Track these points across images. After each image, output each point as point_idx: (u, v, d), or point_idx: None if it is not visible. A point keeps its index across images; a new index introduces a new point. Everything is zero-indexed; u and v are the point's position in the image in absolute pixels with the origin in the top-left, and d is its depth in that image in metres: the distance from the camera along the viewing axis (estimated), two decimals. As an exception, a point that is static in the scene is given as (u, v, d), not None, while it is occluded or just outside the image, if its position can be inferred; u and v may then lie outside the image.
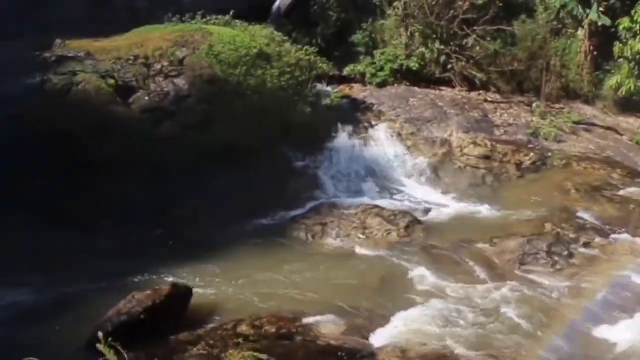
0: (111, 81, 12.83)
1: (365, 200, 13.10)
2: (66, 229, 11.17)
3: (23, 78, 12.51)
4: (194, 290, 9.18)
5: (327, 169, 13.82)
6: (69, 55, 13.32)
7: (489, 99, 17.01)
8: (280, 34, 15.74)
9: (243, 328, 8.44)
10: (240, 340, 8.02)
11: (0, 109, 11.84)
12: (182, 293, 8.89)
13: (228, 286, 9.87)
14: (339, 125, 14.71)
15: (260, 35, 14.85)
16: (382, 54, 17.23)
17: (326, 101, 14.96)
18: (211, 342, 8.05)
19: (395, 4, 17.47)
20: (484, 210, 12.94)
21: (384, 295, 9.75)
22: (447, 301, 9.36)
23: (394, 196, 13.59)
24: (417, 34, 17.31)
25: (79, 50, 13.47)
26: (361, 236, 11.66)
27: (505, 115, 16.33)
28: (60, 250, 10.67)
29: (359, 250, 11.30)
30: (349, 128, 14.77)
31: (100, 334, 4.70)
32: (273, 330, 8.45)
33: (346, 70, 17.28)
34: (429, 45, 17.14)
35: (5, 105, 11.94)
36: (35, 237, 10.93)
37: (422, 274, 10.26)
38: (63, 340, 8.37)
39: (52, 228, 11.16)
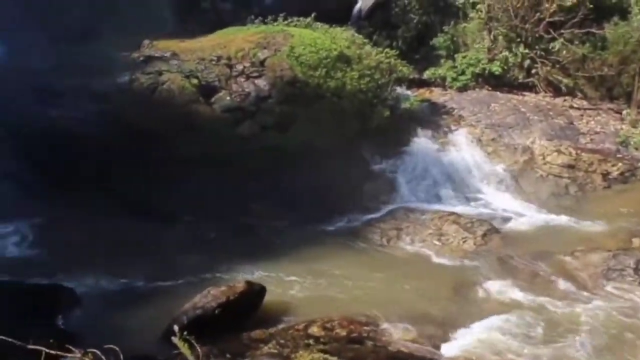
0: (195, 81, 13.22)
1: (443, 206, 12.90)
2: (150, 222, 11.64)
3: (114, 77, 13.09)
4: (268, 288, 9.29)
5: (404, 174, 13.68)
6: (156, 55, 13.85)
7: (575, 105, 16.36)
8: (361, 36, 15.76)
9: (314, 329, 8.47)
10: (311, 341, 8.06)
11: (94, 105, 12.50)
12: (256, 291, 9.02)
13: (301, 286, 9.95)
14: (418, 130, 14.55)
15: (341, 37, 14.90)
16: (464, 57, 16.91)
17: (406, 105, 14.82)
18: (282, 341, 8.12)
19: (478, 6, 17.13)
20: (566, 221, 12.45)
21: (457, 304, 9.56)
22: (523, 314, 9.06)
23: (472, 203, 13.31)
24: (500, 37, 16.88)
25: (166, 51, 13.98)
26: (437, 243, 11.48)
27: (593, 122, 15.67)
28: (143, 242, 11.11)
29: (434, 257, 11.13)
30: (428, 132, 14.58)
31: (176, 327, 4.86)
32: (344, 333, 8.44)
33: (427, 74, 17.07)
34: (513, 49, 16.68)
35: (99, 102, 12.58)
36: (121, 228, 11.45)
37: (498, 285, 9.98)
38: (142, 329, 8.68)
39: (137, 220, 11.67)
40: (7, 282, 9.63)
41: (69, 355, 4.26)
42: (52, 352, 4.04)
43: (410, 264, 10.91)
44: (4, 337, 3.96)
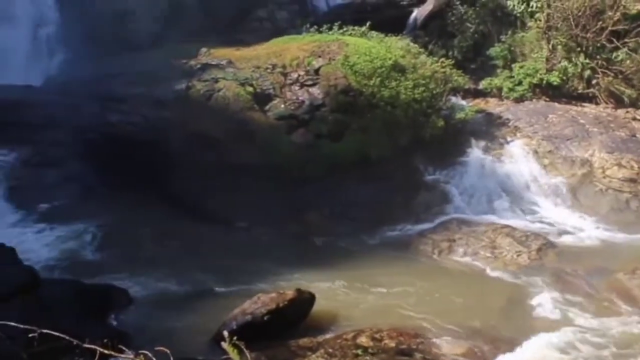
0: (250, 89, 13.41)
1: (496, 218, 12.67)
2: (204, 226, 11.88)
3: (171, 84, 13.41)
4: (317, 296, 9.29)
5: (458, 184, 13.50)
6: (212, 63, 14.16)
7: (639, 117, 15.80)
8: (416, 45, 15.69)
9: (363, 339, 8.43)
10: (359, 351, 8.02)
11: (153, 111, 12.86)
12: (305, 299, 9.04)
13: (351, 295, 9.92)
14: (472, 140, 14.36)
15: (396, 46, 14.87)
16: (521, 67, 16.59)
17: (460, 115, 14.65)
18: (330, 350, 8.11)
19: (537, 15, 16.78)
20: (626, 237, 12.03)
21: (509, 320, 9.34)
22: (578, 332, 8.78)
23: (527, 217, 13.00)
24: (560, 47, 16.50)
25: (222, 59, 14.26)
26: (490, 256, 11.27)
27: (658, 135, 15.11)
28: (196, 245, 11.35)
29: (486, 270, 10.92)
30: (483, 143, 14.37)
31: (225, 332, 4.92)
32: (393, 344, 8.37)
33: (482, 84, 16.83)
34: (573, 59, 16.28)
35: (157, 108, 12.94)
36: (175, 231, 11.76)
37: (552, 301, 9.70)
38: (192, 332, 8.82)
39: (191, 224, 11.94)
40: (66, 280, 9.97)
41: (122, 355, 4.37)
42: (106, 352, 4.15)
43: (462, 277, 10.75)
44: (62, 335, 4.10)
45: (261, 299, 8.78)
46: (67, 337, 4.07)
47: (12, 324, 3.91)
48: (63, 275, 10.23)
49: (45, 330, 4.04)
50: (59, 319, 8.27)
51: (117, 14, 15.48)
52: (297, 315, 8.94)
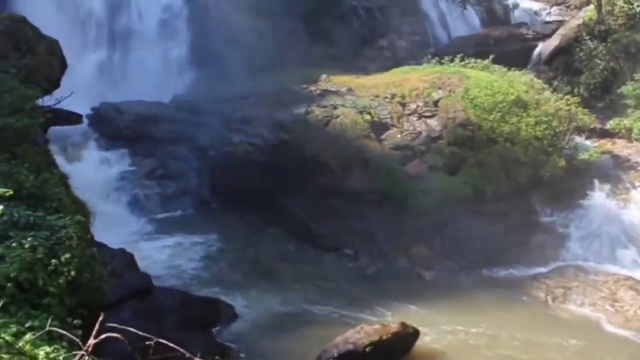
0: (367, 117, 13.46)
1: (618, 269, 11.86)
2: (313, 249, 12.03)
3: (291, 108, 13.74)
4: (421, 332, 9.07)
5: (577, 229, 12.77)
6: (332, 89, 14.36)
7: None
8: (540, 81, 15.14)
9: (466, 383, 8.12)
10: (461, 396, 7.72)
11: (272, 133, 13.23)
12: (409, 334, 8.87)
13: (456, 335, 9.61)
14: (596, 183, 13.57)
15: (519, 81, 14.42)
16: (656, 108, 15.55)
17: (584, 156, 13.92)
18: (432, 390, 7.87)
19: (678, 52, 15.72)
20: None
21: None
22: None
23: (654, 270, 12.07)
24: (703, 87, 15.31)
25: (342, 86, 14.45)
26: (610, 309, 10.53)
27: None
28: (303, 268, 11.52)
29: (605, 324, 10.24)
30: (607, 187, 13.53)
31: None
32: (498, 392, 7.99)
33: (610, 124, 15.90)
34: None
35: (277, 130, 13.29)
36: (285, 251, 12.02)
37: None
38: (293, 353, 8.91)
39: (301, 246, 12.13)
40: (176, 290, 10.36)
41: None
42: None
43: (577, 328, 10.11)
44: (176, 347, 4.19)
45: (364, 330, 8.70)
46: (181, 350, 4.16)
47: (132, 329, 4.06)
48: (175, 284, 10.66)
49: (162, 340, 4.15)
50: (166, 326, 8.60)
51: (242, 37, 16.08)
52: (399, 350, 8.78)
